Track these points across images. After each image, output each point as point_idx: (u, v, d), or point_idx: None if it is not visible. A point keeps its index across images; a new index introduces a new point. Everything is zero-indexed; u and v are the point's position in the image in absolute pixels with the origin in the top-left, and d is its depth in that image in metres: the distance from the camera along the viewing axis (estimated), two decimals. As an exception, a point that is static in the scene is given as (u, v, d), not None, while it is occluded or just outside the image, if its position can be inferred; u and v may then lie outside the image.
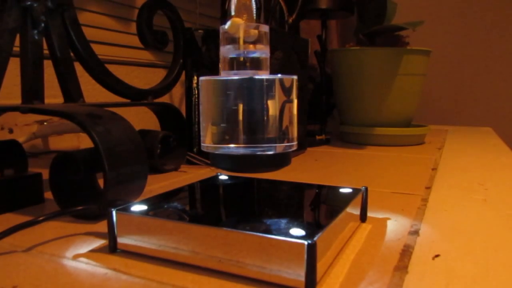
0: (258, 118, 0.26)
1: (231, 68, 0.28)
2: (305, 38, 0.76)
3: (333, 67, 0.92)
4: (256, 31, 0.27)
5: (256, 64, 0.27)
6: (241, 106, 0.26)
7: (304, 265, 0.22)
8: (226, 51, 0.28)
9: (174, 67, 0.60)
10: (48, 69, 0.43)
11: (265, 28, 0.28)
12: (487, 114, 1.46)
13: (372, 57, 0.83)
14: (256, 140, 0.27)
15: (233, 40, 0.27)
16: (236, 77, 0.27)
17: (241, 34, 0.27)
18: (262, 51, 0.28)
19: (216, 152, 0.28)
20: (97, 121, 0.34)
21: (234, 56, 0.27)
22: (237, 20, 0.27)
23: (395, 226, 0.34)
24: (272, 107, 0.27)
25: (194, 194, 0.35)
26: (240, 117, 0.26)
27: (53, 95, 0.47)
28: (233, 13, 0.27)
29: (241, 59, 0.27)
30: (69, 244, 0.29)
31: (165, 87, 0.59)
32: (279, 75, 0.27)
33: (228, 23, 0.27)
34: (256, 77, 0.27)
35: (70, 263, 0.26)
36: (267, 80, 0.26)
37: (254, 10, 0.28)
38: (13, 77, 0.44)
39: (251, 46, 0.27)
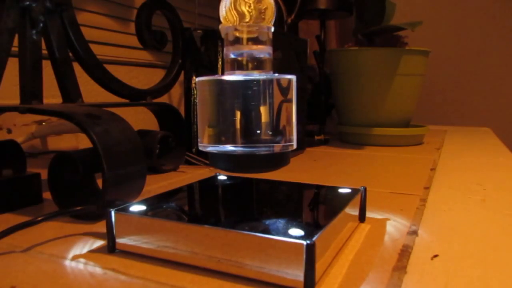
0: (255, 118, 0.26)
1: (233, 68, 0.28)
2: (304, 38, 0.76)
3: (332, 68, 0.92)
4: (262, 32, 0.27)
5: (258, 64, 0.27)
6: (238, 106, 0.26)
7: (303, 265, 0.22)
8: (227, 52, 0.28)
9: (173, 67, 0.60)
10: (47, 69, 0.43)
11: (266, 28, 0.28)
12: (485, 115, 1.46)
13: (371, 58, 0.84)
14: (253, 140, 0.27)
15: (234, 41, 0.27)
16: (231, 77, 0.27)
17: (244, 35, 0.27)
18: (264, 52, 0.28)
19: (214, 152, 0.28)
20: (95, 121, 0.34)
21: (235, 56, 0.27)
22: (225, 23, 0.27)
23: (394, 226, 0.34)
24: (270, 107, 0.27)
25: (193, 194, 0.35)
26: (237, 118, 0.26)
27: (51, 95, 0.47)
28: (220, 17, 0.28)
29: (243, 59, 0.27)
30: (68, 245, 0.29)
31: (164, 87, 0.59)
32: (276, 75, 0.27)
33: (220, 26, 0.27)
34: (252, 77, 0.27)
35: (69, 264, 0.26)
36: (264, 80, 0.26)
37: (268, 8, 0.27)
38: (11, 77, 0.44)
39: (252, 46, 0.27)
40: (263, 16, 0.27)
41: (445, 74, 1.49)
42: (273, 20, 0.28)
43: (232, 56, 0.28)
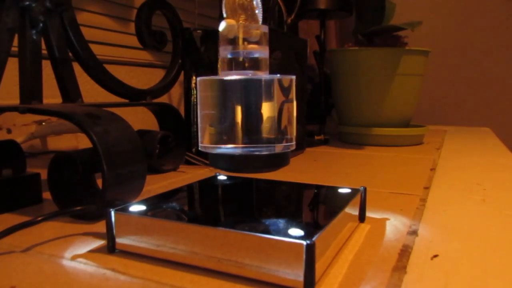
0: (256, 118, 0.26)
1: (230, 68, 0.28)
2: (303, 38, 0.76)
3: (331, 68, 0.92)
4: (257, 31, 0.27)
5: (255, 64, 0.27)
6: (239, 106, 0.26)
7: (303, 265, 0.22)
8: (224, 51, 0.28)
9: (173, 67, 0.60)
10: (47, 69, 0.43)
11: (264, 28, 0.28)
12: (485, 115, 1.46)
13: (371, 57, 0.84)
14: (254, 141, 0.27)
15: (231, 41, 0.27)
16: (233, 77, 0.27)
17: (240, 35, 0.27)
18: (260, 51, 0.28)
19: (214, 152, 0.28)
20: (95, 121, 0.34)
21: (232, 56, 0.27)
22: (229, 21, 0.27)
23: (394, 226, 0.34)
24: (271, 107, 0.27)
25: (193, 194, 0.35)
26: (238, 118, 0.26)
27: (51, 95, 0.47)
28: (224, 15, 0.28)
29: (240, 59, 0.27)
30: (68, 245, 0.29)
31: (164, 87, 0.59)
32: (278, 75, 0.27)
33: (221, 25, 0.27)
34: (254, 77, 0.27)
35: (69, 264, 0.26)
36: (265, 80, 0.26)
37: (258, 10, 0.28)
38: (11, 77, 0.44)
39: (249, 46, 0.27)
40: (255, 17, 0.27)
41: (445, 74, 1.49)
42: (261, 20, 0.28)
43: (229, 55, 0.28)
